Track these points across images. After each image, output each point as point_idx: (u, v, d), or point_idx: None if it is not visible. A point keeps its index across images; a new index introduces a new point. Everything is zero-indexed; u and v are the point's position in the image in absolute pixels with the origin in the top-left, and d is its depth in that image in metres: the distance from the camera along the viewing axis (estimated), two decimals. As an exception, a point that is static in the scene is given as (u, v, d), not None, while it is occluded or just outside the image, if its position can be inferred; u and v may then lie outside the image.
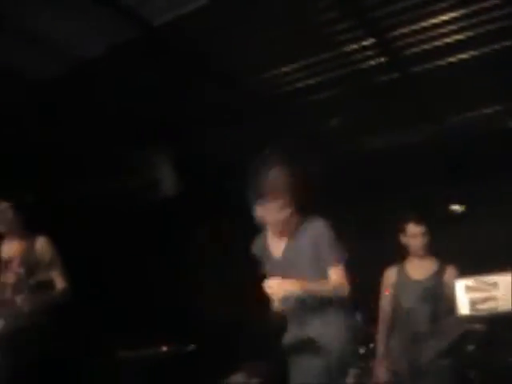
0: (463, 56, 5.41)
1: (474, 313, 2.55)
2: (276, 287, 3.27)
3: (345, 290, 3.40)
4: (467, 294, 2.52)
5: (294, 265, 3.52)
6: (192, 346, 6.24)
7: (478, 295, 2.48)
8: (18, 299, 4.30)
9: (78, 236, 6.30)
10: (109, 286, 6.70)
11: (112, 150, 6.56)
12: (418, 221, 4.67)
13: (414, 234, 4.68)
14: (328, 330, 3.39)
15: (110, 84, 5.62)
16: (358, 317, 5.43)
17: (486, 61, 5.40)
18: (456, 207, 4.71)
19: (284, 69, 5.74)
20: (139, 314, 6.75)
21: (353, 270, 3.48)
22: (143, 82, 5.63)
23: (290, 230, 3.58)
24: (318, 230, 3.51)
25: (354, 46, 5.36)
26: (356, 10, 4.86)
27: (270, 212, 3.46)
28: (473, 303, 2.50)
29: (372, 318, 5.16)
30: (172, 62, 5.44)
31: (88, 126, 6.15)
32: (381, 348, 4.78)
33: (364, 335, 5.37)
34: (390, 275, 4.87)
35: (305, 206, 3.59)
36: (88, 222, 6.52)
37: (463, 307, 2.55)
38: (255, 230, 3.75)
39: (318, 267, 3.48)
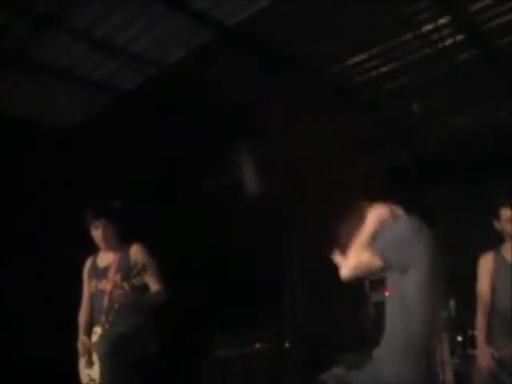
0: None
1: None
2: None
3: None
4: None
5: None
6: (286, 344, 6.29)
7: None
8: (117, 299, 4.41)
9: (175, 237, 6.51)
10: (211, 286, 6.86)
11: (202, 151, 6.71)
12: (504, 204, 4.45)
13: (507, 219, 4.49)
14: None
15: (191, 87, 5.75)
16: (452, 304, 5.32)
17: None
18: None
19: (361, 56, 5.69)
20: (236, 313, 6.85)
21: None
22: (224, 83, 5.73)
23: None
24: None
25: (431, 26, 5.24)
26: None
27: None
28: None
29: (469, 305, 5.03)
30: (249, 60, 5.49)
31: (176, 129, 6.31)
32: (482, 334, 4.57)
33: (459, 323, 5.24)
34: (487, 261, 4.67)
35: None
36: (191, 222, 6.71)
37: None
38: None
39: None
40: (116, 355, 4.23)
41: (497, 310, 4.54)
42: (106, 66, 5.40)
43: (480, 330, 4.59)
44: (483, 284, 4.64)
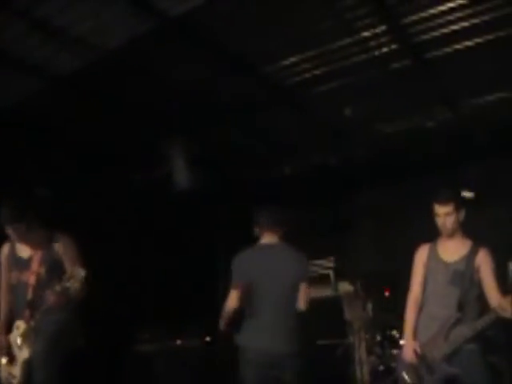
0: (472, 42, 5.41)
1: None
2: None
3: None
4: None
5: None
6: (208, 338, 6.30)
7: None
8: (44, 296, 4.29)
9: (99, 231, 6.39)
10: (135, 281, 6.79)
11: (134, 141, 6.62)
12: (442, 201, 4.52)
13: (438, 214, 4.59)
14: None
15: (129, 76, 5.66)
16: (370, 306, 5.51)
17: (497, 45, 5.39)
18: (467, 193, 4.62)
19: (299, 56, 5.77)
20: (161, 307, 6.82)
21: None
22: (162, 73, 5.67)
23: None
24: None
25: (368, 33, 5.38)
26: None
27: None
28: None
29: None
30: (189, 52, 5.46)
31: (111, 119, 6.21)
32: (409, 328, 4.61)
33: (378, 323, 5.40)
34: (422, 254, 4.71)
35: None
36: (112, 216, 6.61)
37: None
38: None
39: None
40: (48, 354, 4.19)
41: (425, 306, 4.60)
42: (43, 50, 5.23)
43: (408, 324, 4.63)
44: (415, 277, 4.69)
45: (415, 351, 4.44)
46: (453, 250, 4.57)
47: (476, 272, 4.38)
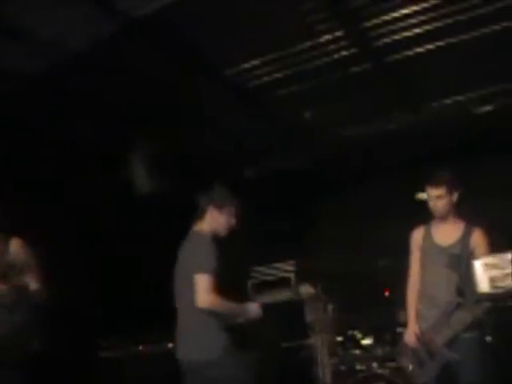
0: (435, 45, 5.50)
1: (494, 290, 2.47)
2: None
3: None
4: (486, 272, 2.44)
5: None
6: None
7: (497, 273, 2.40)
8: None
9: (56, 234, 6.31)
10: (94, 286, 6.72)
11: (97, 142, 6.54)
12: (433, 183, 4.54)
13: (430, 197, 4.56)
14: None
15: (94, 77, 5.60)
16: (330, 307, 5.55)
17: (458, 50, 5.49)
18: (422, 195, 4.68)
19: (261, 59, 5.78)
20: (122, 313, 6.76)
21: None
22: (126, 74, 5.62)
23: None
24: None
25: (329, 37, 5.42)
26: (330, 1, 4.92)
27: None
28: (492, 281, 2.43)
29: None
30: (152, 54, 5.42)
31: (73, 121, 6.13)
32: (411, 314, 4.64)
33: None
34: (417, 237, 4.74)
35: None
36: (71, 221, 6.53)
37: (483, 285, 2.48)
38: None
39: None
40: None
41: (424, 290, 4.62)
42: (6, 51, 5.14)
43: (409, 309, 4.67)
44: (413, 262, 4.72)
45: (417, 336, 4.49)
46: (447, 232, 4.57)
47: (472, 254, 4.36)
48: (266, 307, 4.40)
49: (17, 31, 4.83)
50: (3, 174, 5.82)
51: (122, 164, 6.70)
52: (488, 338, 4.84)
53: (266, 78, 6.06)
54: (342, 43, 5.51)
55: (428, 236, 4.65)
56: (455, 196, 4.54)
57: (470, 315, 4.24)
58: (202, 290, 3.94)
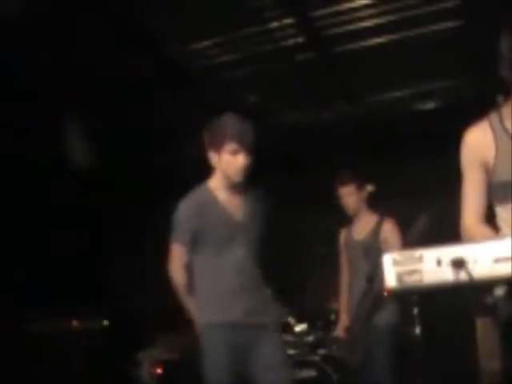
0: (380, 40, 5.57)
1: (401, 285, 2.57)
2: None
3: None
4: (394, 267, 2.53)
5: None
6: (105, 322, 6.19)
7: (404, 268, 2.50)
8: None
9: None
10: (19, 257, 6.53)
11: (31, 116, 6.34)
12: (341, 182, 4.76)
13: (340, 196, 4.78)
14: None
15: (28, 49, 5.41)
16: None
17: (401, 45, 5.58)
18: (369, 186, 4.82)
19: (206, 42, 5.72)
20: (49, 287, 6.62)
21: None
22: (63, 47, 5.45)
23: None
24: None
25: (276, 24, 5.41)
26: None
27: None
28: (399, 276, 2.52)
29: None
30: (91, 26, 5.27)
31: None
32: (342, 306, 4.90)
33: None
34: (341, 238, 4.98)
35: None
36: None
37: (391, 280, 2.58)
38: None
39: None
40: None
41: (349, 283, 4.85)
42: None
43: (341, 303, 4.93)
44: (342, 258, 4.96)
45: (345, 328, 4.74)
46: (361, 227, 4.79)
47: (383, 243, 4.57)
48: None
49: None
50: None
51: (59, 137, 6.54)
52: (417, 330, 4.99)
53: (211, 61, 6.03)
54: (290, 31, 5.51)
55: (349, 233, 4.90)
56: (364, 192, 4.76)
57: (371, 301, 4.45)
58: None
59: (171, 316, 6.41)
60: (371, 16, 5.23)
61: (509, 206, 2.30)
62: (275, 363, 3.34)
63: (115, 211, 8.03)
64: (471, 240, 2.26)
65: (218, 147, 3.42)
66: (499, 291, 1.84)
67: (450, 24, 5.31)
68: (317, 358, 5.25)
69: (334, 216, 5.06)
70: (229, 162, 3.41)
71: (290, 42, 5.67)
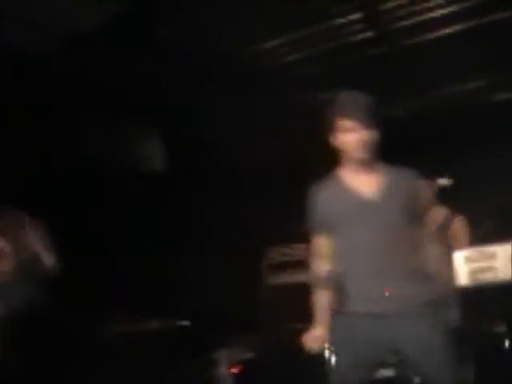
0: (449, 30, 5.49)
1: (474, 283, 2.47)
2: None
3: None
4: (466, 265, 2.45)
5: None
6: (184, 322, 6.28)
7: (476, 265, 2.39)
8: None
9: (67, 209, 6.30)
10: (100, 260, 6.70)
11: (103, 125, 6.52)
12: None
13: None
14: None
15: (99, 59, 5.58)
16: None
17: (471, 35, 5.48)
18: (443, 181, 4.69)
19: (272, 43, 5.77)
20: (128, 288, 6.76)
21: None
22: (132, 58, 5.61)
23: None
24: None
25: (343, 20, 5.41)
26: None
27: None
28: (472, 273, 2.44)
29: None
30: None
31: (81, 101, 6.11)
32: None
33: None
34: None
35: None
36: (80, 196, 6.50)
37: (463, 277, 2.49)
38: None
39: None
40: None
41: None
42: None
43: None
44: None
45: None
46: None
47: None
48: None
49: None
50: None
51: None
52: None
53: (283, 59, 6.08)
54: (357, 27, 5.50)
55: None
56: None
57: None
58: None
59: (249, 316, 6.52)
60: (437, 6, 5.15)
61: None
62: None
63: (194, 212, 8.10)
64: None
65: (333, 128, 3.34)
66: None
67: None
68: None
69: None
70: (344, 141, 3.34)
71: (357, 37, 5.66)
